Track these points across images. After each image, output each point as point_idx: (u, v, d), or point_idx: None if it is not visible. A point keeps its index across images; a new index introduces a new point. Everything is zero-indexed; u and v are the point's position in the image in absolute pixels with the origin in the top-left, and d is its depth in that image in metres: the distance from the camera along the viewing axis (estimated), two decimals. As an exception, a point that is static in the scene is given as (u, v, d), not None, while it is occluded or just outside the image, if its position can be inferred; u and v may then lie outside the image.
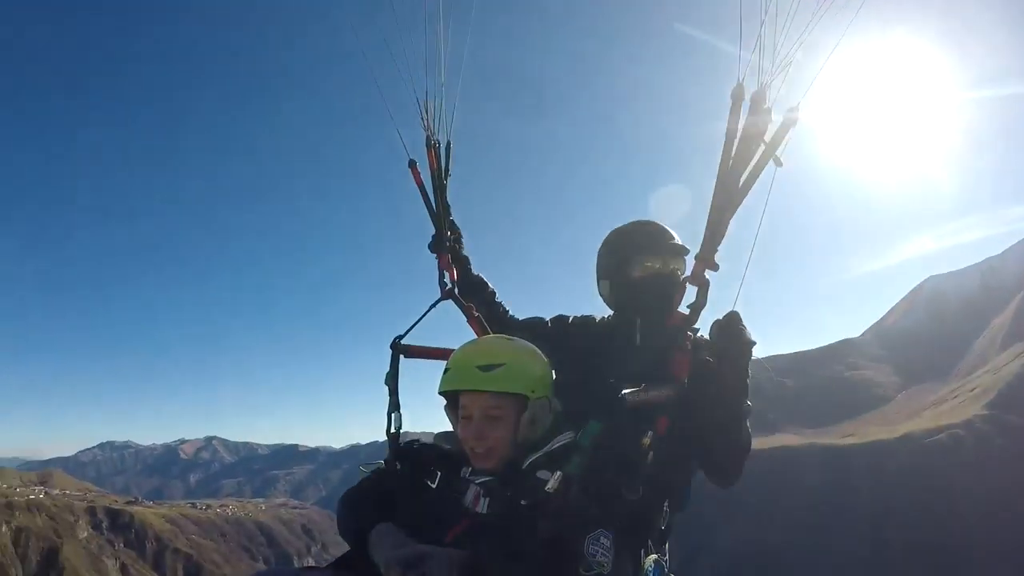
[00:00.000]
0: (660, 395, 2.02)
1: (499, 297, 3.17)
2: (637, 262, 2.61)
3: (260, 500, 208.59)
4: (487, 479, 1.96)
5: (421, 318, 2.80)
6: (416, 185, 3.04)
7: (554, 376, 2.20)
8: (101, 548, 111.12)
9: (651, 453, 2.05)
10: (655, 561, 2.22)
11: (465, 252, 3.19)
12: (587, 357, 2.61)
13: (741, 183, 2.06)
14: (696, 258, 2.14)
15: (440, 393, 2.12)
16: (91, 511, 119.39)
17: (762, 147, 2.02)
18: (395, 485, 2.13)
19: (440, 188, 3.03)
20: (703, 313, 2.16)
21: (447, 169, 3.04)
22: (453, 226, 3.13)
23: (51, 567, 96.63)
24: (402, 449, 2.29)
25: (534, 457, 1.97)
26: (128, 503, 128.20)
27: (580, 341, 2.74)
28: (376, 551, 1.83)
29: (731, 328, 2.10)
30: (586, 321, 2.88)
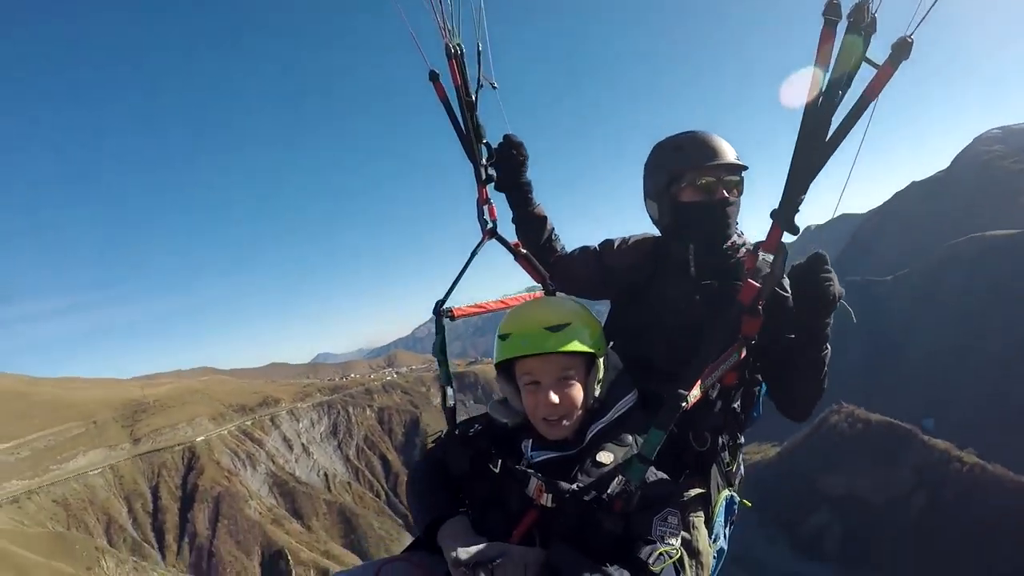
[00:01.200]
0: (726, 367, 1.90)
1: (556, 236, 2.81)
2: (687, 180, 2.32)
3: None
4: (550, 456, 1.89)
5: (461, 274, 2.64)
6: (441, 102, 2.62)
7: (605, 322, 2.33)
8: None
9: (719, 403, 2.14)
10: (728, 499, 2.23)
11: (527, 177, 2.70)
12: (641, 294, 2.48)
13: (832, 132, 1.64)
14: (772, 218, 1.80)
15: (497, 364, 2.01)
16: (438, 379, 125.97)
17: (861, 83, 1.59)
18: (458, 470, 2.03)
19: (467, 106, 2.60)
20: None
21: (478, 82, 2.59)
22: (508, 148, 2.63)
23: (415, 435, 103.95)
24: (458, 437, 2.11)
25: (599, 426, 1.92)
26: (469, 364, 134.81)
27: (631, 275, 2.55)
28: (445, 546, 1.79)
29: (814, 278, 1.93)
30: (637, 247, 2.63)
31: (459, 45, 2.53)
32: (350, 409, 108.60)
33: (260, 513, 74.16)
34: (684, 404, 1.68)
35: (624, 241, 2.66)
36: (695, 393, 1.72)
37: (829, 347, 2.09)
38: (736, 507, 2.35)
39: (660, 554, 1.62)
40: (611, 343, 2.26)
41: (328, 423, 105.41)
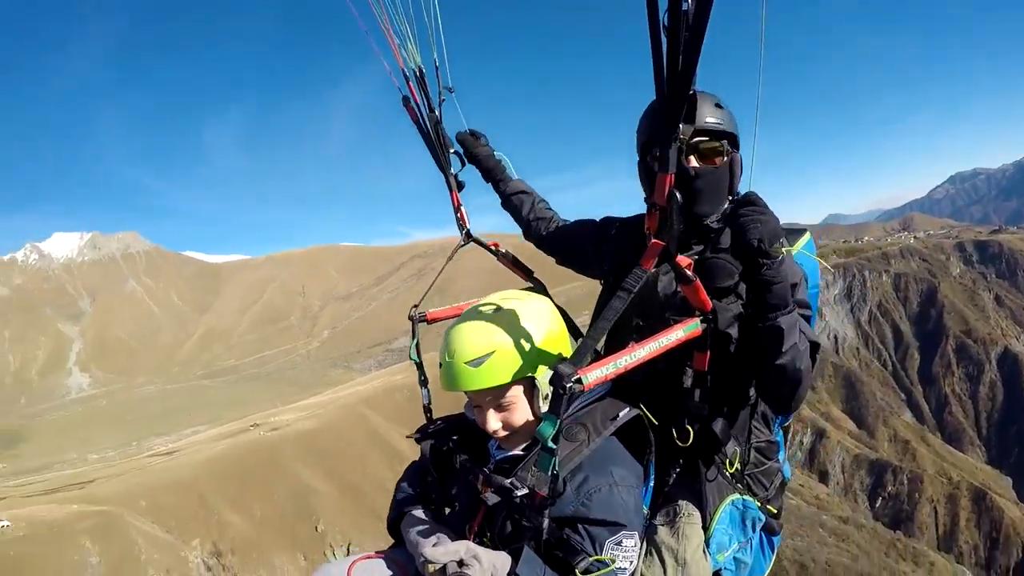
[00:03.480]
0: (666, 343, 1.70)
1: (543, 208, 2.83)
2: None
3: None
4: (511, 455, 1.87)
5: (436, 278, 2.75)
6: (414, 123, 2.67)
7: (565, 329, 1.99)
8: (975, 282, 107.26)
9: (697, 391, 1.92)
10: (738, 505, 2.06)
11: (494, 160, 2.83)
12: (621, 277, 2.09)
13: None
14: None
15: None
16: (959, 247, 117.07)
17: None
18: (430, 465, 2.06)
19: (432, 121, 2.64)
20: None
21: (439, 95, 2.62)
22: (463, 143, 2.78)
23: (931, 306, 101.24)
24: (425, 431, 2.15)
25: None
26: (992, 232, 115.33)
27: (618, 255, 2.35)
28: (408, 539, 1.83)
29: (734, 221, 1.78)
30: (627, 227, 2.42)
31: (420, 68, 2.56)
32: (865, 273, 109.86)
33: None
34: (572, 385, 1.45)
35: (627, 221, 2.46)
36: (598, 374, 1.52)
37: (782, 325, 1.76)
38: (760, 517, 2.11)
39: (593, 562, 1.62)
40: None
41: (842, 286, 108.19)
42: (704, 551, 1.97)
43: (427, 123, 2.63)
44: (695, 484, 2.02)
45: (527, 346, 1.76)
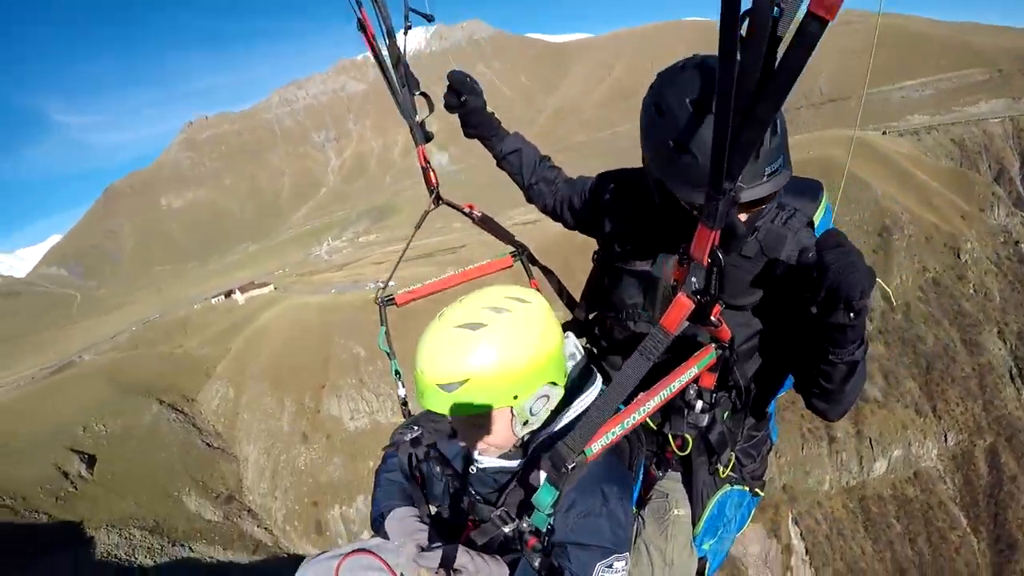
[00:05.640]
0: (684, 381, 1.60)
1: (544, 167, 2.49)
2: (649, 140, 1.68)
3: None
4: (494, 465, 1.74)
5: (402, 256, 2.54)
6: (371, 53, 2.21)
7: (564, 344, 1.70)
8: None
9: (700, 403, 1.80)
10: (731, 496, 2.02)
11: (487, 114, 2.43)
12: (619, 242, 2.06)
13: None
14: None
15: None
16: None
17: None
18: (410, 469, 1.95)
19: (393, 55, 2.21)
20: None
21: (405, 19, 2.15)
22: (453, 90, 2.37)
23: None
24: (400, 441, 1.96)
25: (541, 437, 1.68)
26: None
27: (615, 222, 2.10)
28: (395, 537, 1.74)
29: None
30: (625, 184, 2.11)
31: None
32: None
33: None
34: (569, 467, 1.38)
35: (623, 178, 2.14)
36: (602, 443, 1.43)
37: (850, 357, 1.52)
38: (751, 502, 2.11)
39: None
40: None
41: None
42: (691, 546, 1.96)
43: (386, 55, 2.23)
44: (685, 479, 1.97)
45: (507, 375, 1.54)
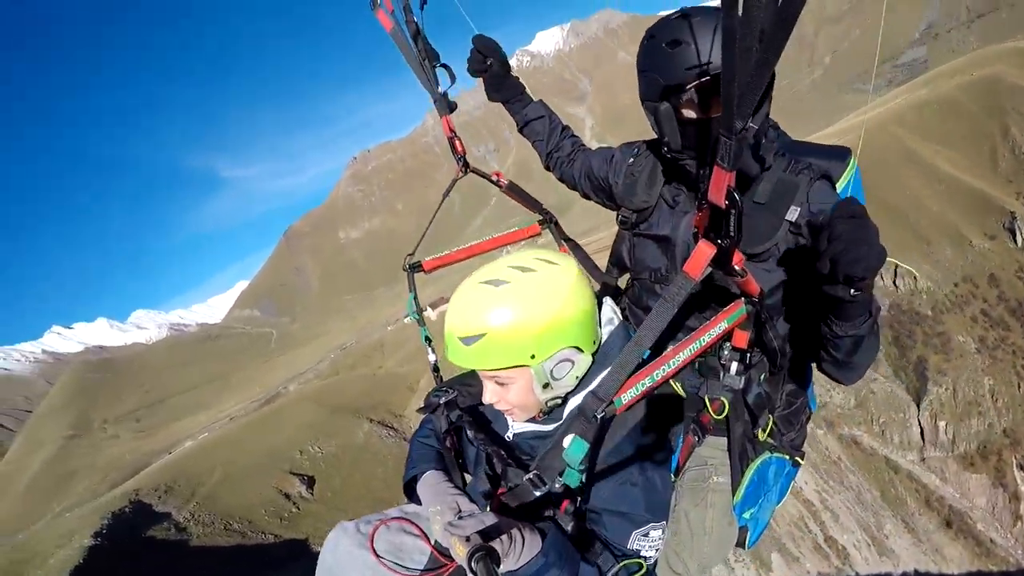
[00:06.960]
0: (714, 335, 1.55)
1: (565, 136, 2.52)
2: (689, 94, 1.71)
3: None
4: (528, 429, 1.75)
5: (431, 221, 2.56)
6: (386, 30, 2.36)
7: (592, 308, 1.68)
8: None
9: (735, 364, 1.73)
10: (770, 464, 1.95)
11: (511, 80, 2.47)
12: (637, 225, 2.10)
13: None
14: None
15: None
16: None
17: None
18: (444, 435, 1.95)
19: (411, 31, 2.32)
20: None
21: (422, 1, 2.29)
22: (477, 56, 2.38)
23: None
24: (435, 404, 2.00)
25: (576, 399, 1.68)
26: None
27: (635, 192, 2.10)
28: (428, 503, 1.71)
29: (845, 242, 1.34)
30: (645, 153, 2.14)
31: None
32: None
33: None
34: (604, 412, 1.33)
35: (645, 146, 2.15)
36: (631, 393, 1.37)
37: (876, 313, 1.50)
38: (791, 471, 2.08)
39: (622, 567, 1.52)
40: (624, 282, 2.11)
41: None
42: (731, 515, 1.93)
43: (404, 29, 2.31)
44: (724, 446, 1.90)
45: (523, 333, 1.53)
